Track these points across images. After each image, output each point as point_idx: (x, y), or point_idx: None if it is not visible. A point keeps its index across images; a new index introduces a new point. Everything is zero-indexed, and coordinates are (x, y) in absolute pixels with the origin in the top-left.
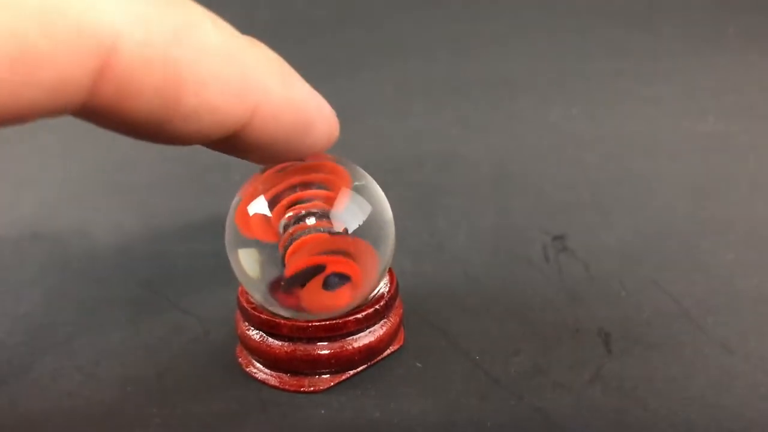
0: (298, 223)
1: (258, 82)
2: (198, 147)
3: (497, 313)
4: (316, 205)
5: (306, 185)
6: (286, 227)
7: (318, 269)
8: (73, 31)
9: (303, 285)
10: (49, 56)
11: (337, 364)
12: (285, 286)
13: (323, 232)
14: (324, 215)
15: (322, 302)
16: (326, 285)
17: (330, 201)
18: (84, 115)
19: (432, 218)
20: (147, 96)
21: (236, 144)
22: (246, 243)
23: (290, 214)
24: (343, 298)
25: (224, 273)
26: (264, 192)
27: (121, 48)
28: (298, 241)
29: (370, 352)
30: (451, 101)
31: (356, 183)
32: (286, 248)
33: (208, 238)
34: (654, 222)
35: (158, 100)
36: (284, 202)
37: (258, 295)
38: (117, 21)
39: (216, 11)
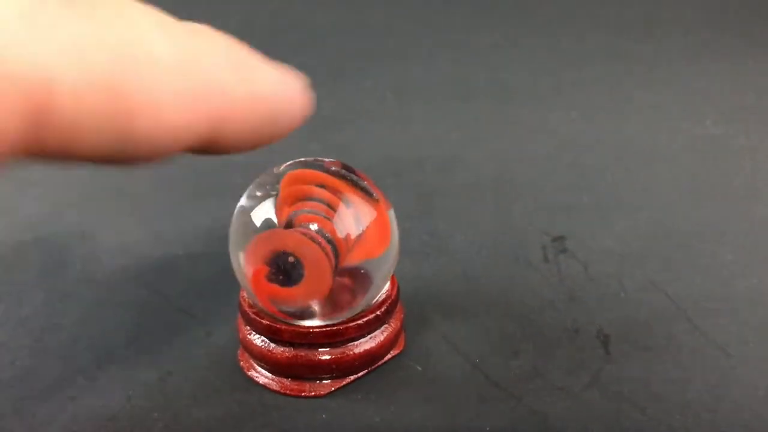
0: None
1: (216, 87)
2: None
3: (497, 315)
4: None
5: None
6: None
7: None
8: None
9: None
10: None
11: (338, 369)
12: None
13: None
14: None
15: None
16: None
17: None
18: (25, 160)
19: (432, 220)
20: (95, 132)
21: (206, 149)
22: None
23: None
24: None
25: (226, 276)
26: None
27: (56, 90)
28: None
29: (370, 357)
30: (452, 106)
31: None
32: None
33: (210, 241)
34: (653, 224)
35: (109, 133)
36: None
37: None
38: (47, 61)
39: (218, 17)
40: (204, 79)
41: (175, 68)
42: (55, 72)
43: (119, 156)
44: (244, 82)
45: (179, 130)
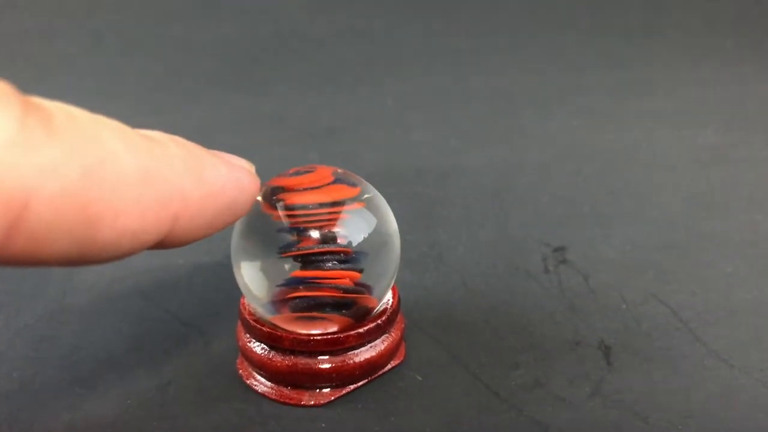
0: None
1: (175, 192)
2: None
3: (497, 326)
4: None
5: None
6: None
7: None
8: None
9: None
10: None
11: (338, 378)
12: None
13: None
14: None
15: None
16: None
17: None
18: None
19: (432, 230)
20: (62, 241)
21: (162, 245)
22: (250, 256)
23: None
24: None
25: (225, 285)
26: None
27: (32, 205)
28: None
29: (370, 366)
30: (452, 114)
31: (365, 196)
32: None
33: (209, 250)
34: (653, 234)
35: (75, 239)
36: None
37: (260, 308)
38: (26, 177)
39: (219, 26)
40: (164, 186)
41: (138, 180)
42: (31, 188)
43: (82, 259)
44: (199, 184)
45: (140, 234)
